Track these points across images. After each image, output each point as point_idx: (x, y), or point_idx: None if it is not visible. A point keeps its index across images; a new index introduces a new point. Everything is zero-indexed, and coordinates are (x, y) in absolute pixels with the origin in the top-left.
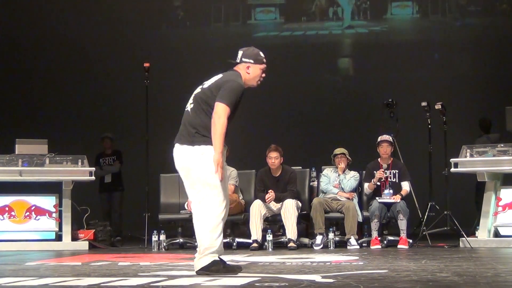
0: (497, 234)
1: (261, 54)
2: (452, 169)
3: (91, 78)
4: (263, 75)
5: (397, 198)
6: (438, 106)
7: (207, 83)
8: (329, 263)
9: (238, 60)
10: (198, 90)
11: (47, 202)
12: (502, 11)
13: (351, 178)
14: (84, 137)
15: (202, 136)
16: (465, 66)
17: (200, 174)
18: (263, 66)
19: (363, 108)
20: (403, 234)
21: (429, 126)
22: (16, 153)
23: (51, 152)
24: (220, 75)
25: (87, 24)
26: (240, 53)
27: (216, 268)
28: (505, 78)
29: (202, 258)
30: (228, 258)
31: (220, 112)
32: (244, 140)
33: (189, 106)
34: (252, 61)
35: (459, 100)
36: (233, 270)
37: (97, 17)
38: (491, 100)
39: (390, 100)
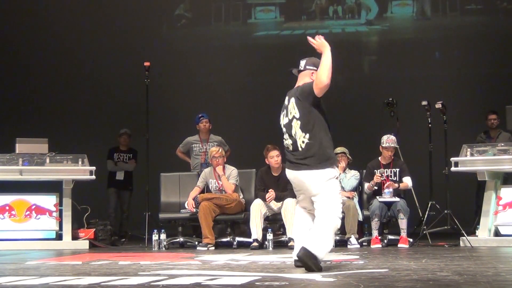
0: (497, 233)
1: None
2: (453, 168)
3: (91, 77)
4: None
5: (393, 186)
6: (438, 105)
7: (289, 112)
8: (329, 262)
9: (302, 68)
10: (286, 122)
11: (48, 201)
12: (503, 9)
13: (352, 177)
14: (85, 136)
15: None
16: (466, 64)
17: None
18: None
19: (364, 107)
20: (404, 233)
21: (430, 125)
22: (17, 152)
23: (52, 151)
24: (291, 98)
25: (88, 23)
26: (303, 62)
27: None
28: (505, 77)
29: None
30: (228, 257)
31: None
32: (244, 140)
33: (288, 141)
34: (315, 68)
35: (459, 99)
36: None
37: (98, 16)
38: (491, 99)
39: (390, 99)
